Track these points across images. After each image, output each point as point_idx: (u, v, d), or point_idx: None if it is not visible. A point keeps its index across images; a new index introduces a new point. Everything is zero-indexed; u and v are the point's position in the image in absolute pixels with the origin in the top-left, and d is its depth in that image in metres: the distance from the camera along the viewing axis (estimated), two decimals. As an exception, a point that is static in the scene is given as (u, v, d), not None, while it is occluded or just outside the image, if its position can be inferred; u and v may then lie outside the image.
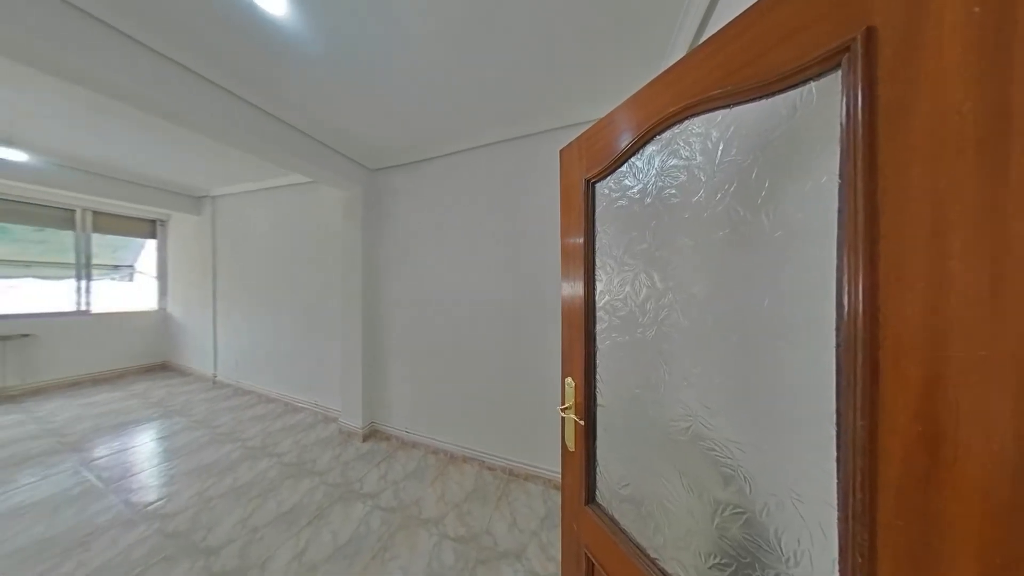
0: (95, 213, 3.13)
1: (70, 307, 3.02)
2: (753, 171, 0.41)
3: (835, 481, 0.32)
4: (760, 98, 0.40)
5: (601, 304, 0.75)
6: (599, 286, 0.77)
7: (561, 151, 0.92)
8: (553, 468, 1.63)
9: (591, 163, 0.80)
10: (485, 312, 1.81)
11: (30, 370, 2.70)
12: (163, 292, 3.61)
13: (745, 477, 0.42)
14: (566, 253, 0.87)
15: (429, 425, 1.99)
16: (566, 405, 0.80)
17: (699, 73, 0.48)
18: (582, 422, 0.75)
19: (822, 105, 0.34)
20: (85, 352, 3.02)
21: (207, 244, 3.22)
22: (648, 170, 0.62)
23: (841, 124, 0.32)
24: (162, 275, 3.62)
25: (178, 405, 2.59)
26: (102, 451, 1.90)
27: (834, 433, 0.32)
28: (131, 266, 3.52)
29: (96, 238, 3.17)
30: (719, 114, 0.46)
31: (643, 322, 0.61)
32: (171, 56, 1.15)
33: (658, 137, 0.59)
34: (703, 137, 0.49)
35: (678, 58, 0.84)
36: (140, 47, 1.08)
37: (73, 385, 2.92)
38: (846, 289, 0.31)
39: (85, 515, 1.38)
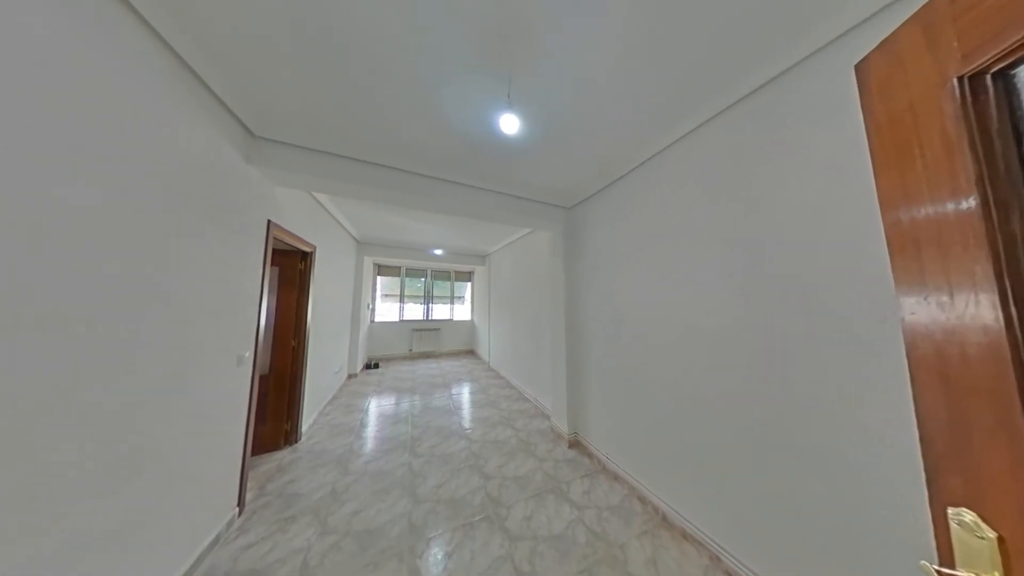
0: (456, 272, 6.52)
1: (447, 317, 6.42)
2: None
3: None
4: None
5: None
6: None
7: (862, 65, 0.53)
8: None
9: (982, 39, 0.38)
10: (703, 340, 1.37)
11: (437, 344, 6.01)
12: (472, 311, 6.61)
13: None
14: (903, 239, 0.46)
15: (632, 464, 1.79)
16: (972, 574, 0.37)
17: None
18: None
19: None
20: (451, 339, 6.21)
21: (486, 282, 5.49)
22: None
23: None
24: (471, 301, 6.66)
25: (476, 375, 4.47)
26: (455, 390, 3.72)
27: None
28: (463, 296, 6.84)
29: (456, 284, 6.57)
30: None
31: None
32: (467, 183, 2.17)
33: None
34: None
35: None
36: (452, 185, 2.15)
37: (447, 355, 6.08)
38: None
39: (449, 421, 2.75)
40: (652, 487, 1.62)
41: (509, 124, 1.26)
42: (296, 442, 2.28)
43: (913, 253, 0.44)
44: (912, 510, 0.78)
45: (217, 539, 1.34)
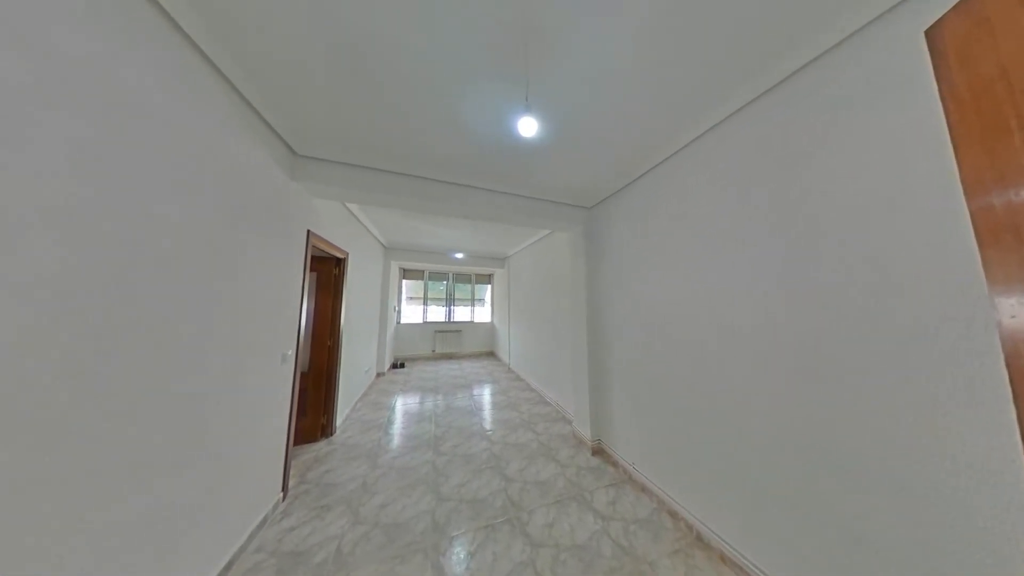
0: (476, 275, 6.65)
1: (468, 319, 6.55)
2: None
3: None
4: None
5: None
6: None
7: (934, 30, 0.47)
8: None
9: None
10: (741, 342, 1.27)
11: (459, 346, 6.14)
12: (492, 313, 6.68)
13: None
14: (997, 228, 0.40)
15: (661, 475, 1.69)
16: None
17: None
18: None
19: None
20: (472, 341, 6.33)
21: (506, 284, 5.53)
22: None
23: None
24: (491, 303, 6.74)
25: (497, 376, 4.50)
26: (475, 391, 3.77)
27: None
28: (483, 299, 6.94)
29: (477, 286, 6.70)
30: None
31: None
32: (488, 187, 2.21)
33: None
34: None
35: None
36: (474, 189, 2.19)
37: (468, 356, 6.20)
38: None
39: (471, 421, 2.79)
40: (685, 502, 1.51)
41: (528, 127, 1.27)
42: (331, 435, 2.45)
43: (1012, 245, 0.37)
44: (1022, 558, 0.64)
45: (265, 520, 1.47)
